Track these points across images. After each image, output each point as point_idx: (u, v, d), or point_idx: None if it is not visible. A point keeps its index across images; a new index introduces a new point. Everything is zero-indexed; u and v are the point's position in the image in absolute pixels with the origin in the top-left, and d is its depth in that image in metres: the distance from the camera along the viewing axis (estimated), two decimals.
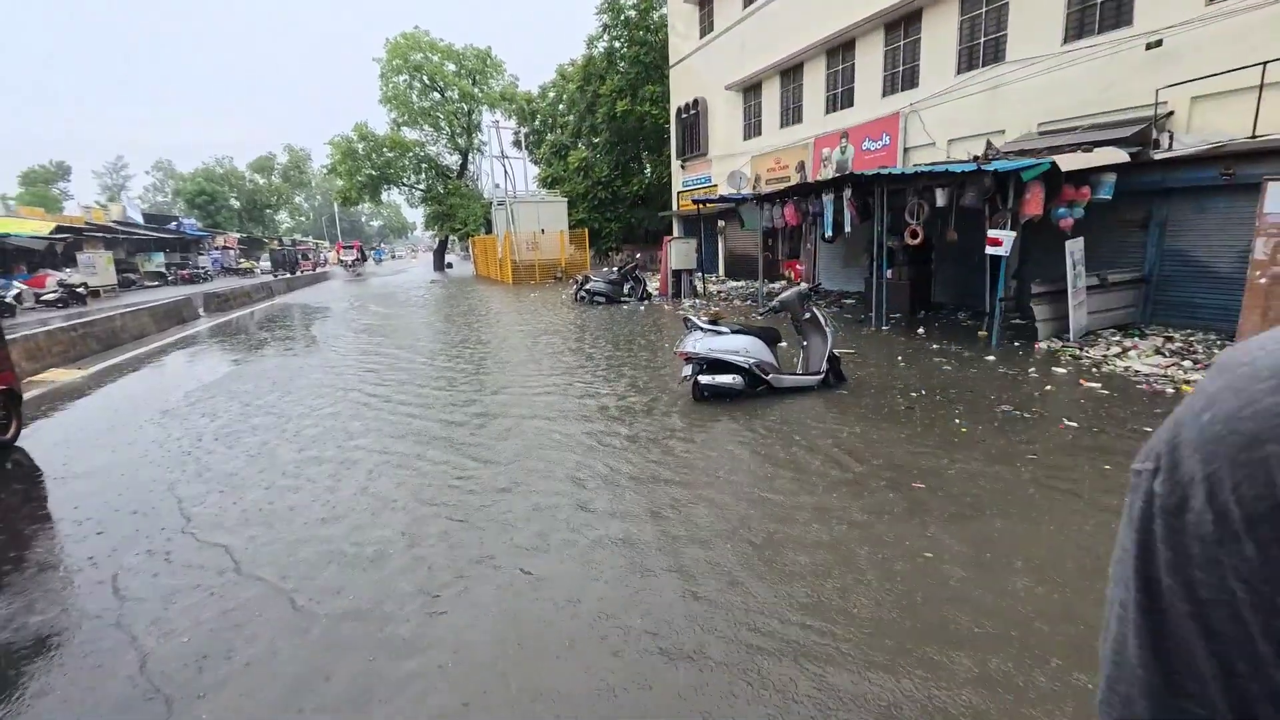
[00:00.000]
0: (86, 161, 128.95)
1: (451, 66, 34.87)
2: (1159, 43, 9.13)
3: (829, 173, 15.68)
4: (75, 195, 60.28)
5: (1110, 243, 9.71)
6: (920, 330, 9.90)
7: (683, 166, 23.71)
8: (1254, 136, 8.10)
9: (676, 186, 24.56)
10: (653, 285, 17.25)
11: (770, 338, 5.89)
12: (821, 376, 6.05)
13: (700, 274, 17.53)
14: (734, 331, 5.72)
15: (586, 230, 26.80)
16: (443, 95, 35.20)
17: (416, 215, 66.53)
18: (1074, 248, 8.27)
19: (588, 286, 15.38)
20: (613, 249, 33.94)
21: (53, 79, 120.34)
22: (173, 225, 45.40)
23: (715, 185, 21.39)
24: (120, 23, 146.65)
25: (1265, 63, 7.85)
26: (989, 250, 7.96)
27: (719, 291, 17.12)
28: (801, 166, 16.78)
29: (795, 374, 6.07)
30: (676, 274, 15.47)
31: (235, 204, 59.41)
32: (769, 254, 19.08)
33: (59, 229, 28.66)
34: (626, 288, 15.53)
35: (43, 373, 8.70)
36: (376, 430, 5.70)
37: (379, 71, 33.96)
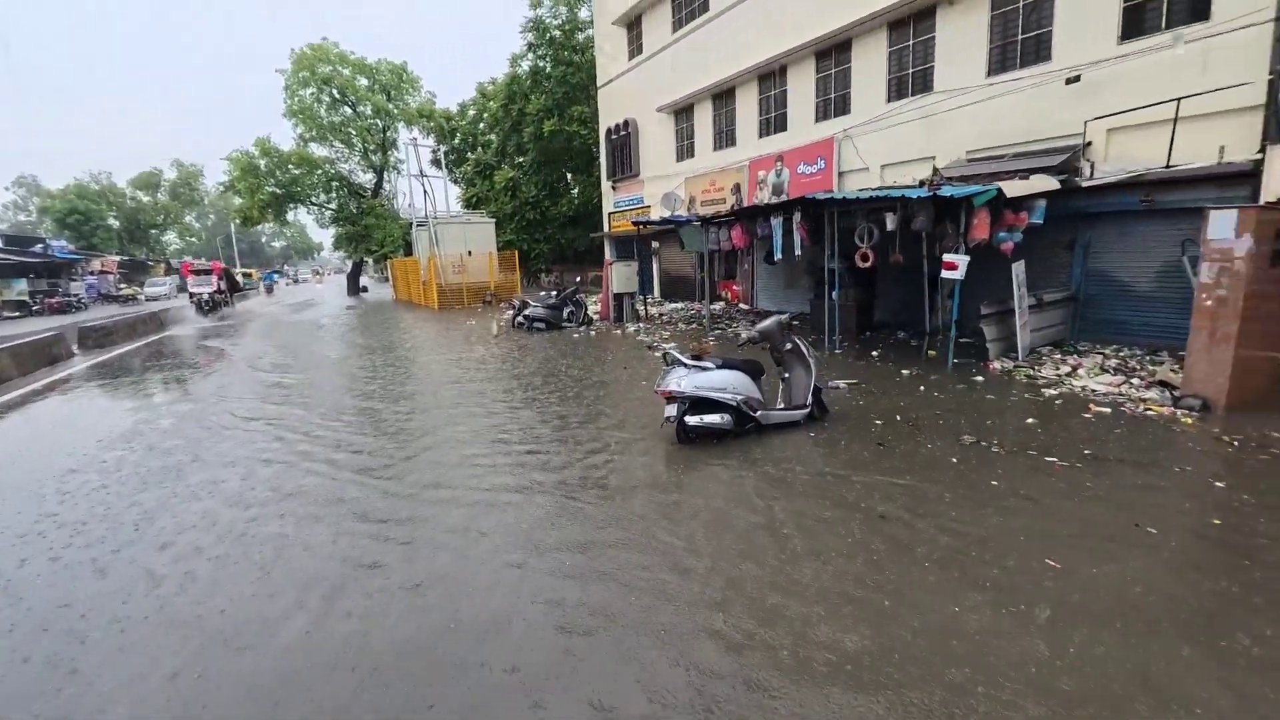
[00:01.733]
0: None
1: (364, 81, 33.16)
2: (1077, 78, 9.68)
3: (765, 195, 15.82)
4: None
5: (1040, 264, 10.14)
6: (874, 352, 9.91)
7: (614, 187, 23.44)
8: (1169, 166, 8.67)
9: (608, 207, 24.25)
10: (593, 309, 16.69)
11: (754, 371, 5.51)
12: (808, 410, 5.73)
13: (643, 297, 17.17)
14: (718, 367, 5.28)
15: (516, 252, 25.93)
16: (355, 110, 33.38)
17: (325, 235, 62.39)
18: (1018, 270, 8.51)
19: (526, 312, 14.61)
20: (543, 270, 33.21)
21: None
22: (39, 248, 40.19)
23: (648, 206, 21.23)
24: None
25: (1178, 99, 8.42)
26: (945, 274, 8.03)
27: (660, 314, 16.81)
28: (737, 188, 16.86)
29: (782, 409, 5.71)
30: (618, 297, 15.02)
31: (114, 224, 53.67)
32: (704, 274, 19.09)
33: None
34: (567, 312, 14.89)
35: None
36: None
37: (284, 84, 31.77)
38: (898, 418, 6.24)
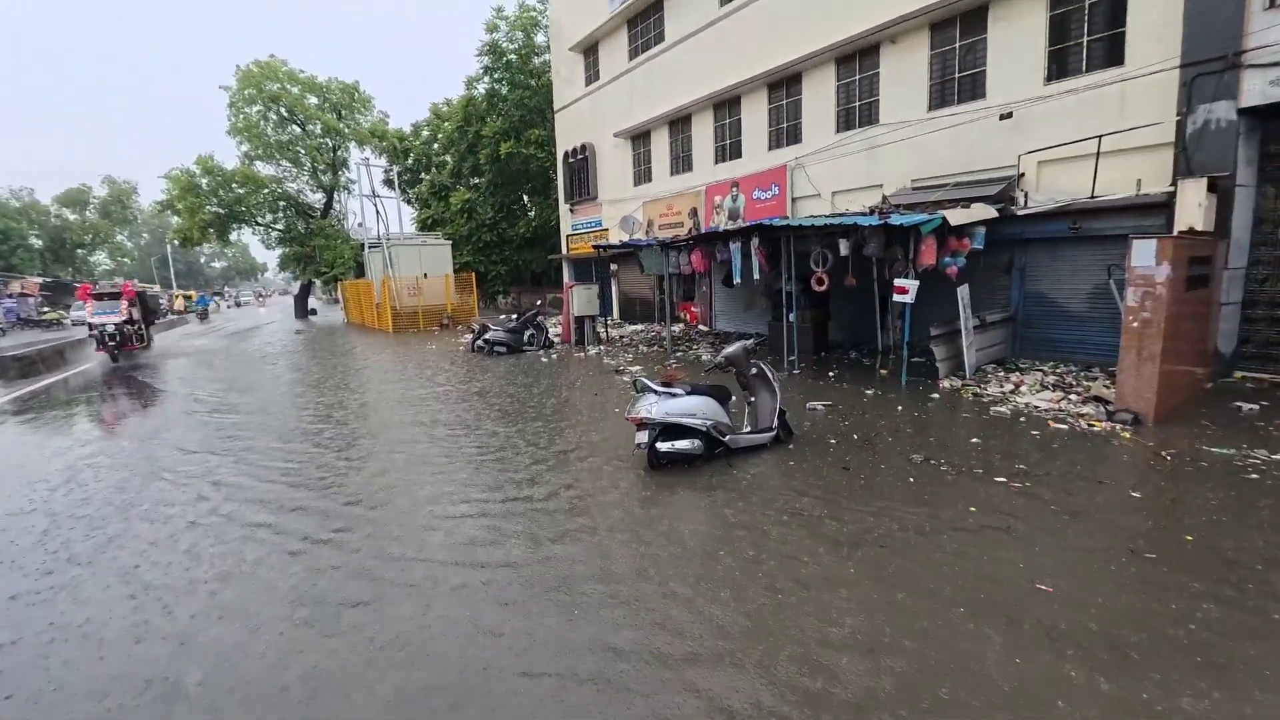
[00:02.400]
0: None
1: (314, 99, 32.52)
2: (1009, 115, 10.38)
3: (722, 219, 16.22)
4: None
5: (982, 287, 10.71)
6: (830, 372, 10.23)
7: (571, 210, 23.59)
8: (1093, 196, 9.37)
9: (566, 229, 24.35)
10: (554, 331, 16.66)
11: (722, 396, 5.62)
12: (774, 433, 5.87)
13: (603, 319, 17.24)
14: (688, 393, 5.38)
15: (474, 274, 25.66)
16: (303, 129, 32.64)
17: (270, 256, 60.17)
18: (963, 294, 8.98)
19: (487, 336, 14.46)
20: (501, 292, 32.98)
21: None
22: None
23: (607, 229, 21.44)
24: None
25: (1099, 136, 9.13)
26: (896, 298, 8.41)
27: (621, 336, 16.90)
28: (694, 213, 17.23)
29: (749, 433, 5.84)
30: (579, 320, 15.05)
31: (36, 243, 50.54)
32: (663, 297, 19.34)
33: None
34: (528, 335, 14.81)
35: None
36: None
37: (228, 100, 30.84)
38: (857, 437, 6.47)
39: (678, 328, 16.92)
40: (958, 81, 11.39)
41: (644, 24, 19.08)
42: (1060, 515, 4.38)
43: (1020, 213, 9.84)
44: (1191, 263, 6.95)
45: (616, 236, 19.84)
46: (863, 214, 10.15)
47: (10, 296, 38.54)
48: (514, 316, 16.70)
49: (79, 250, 56.14)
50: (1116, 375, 6.96)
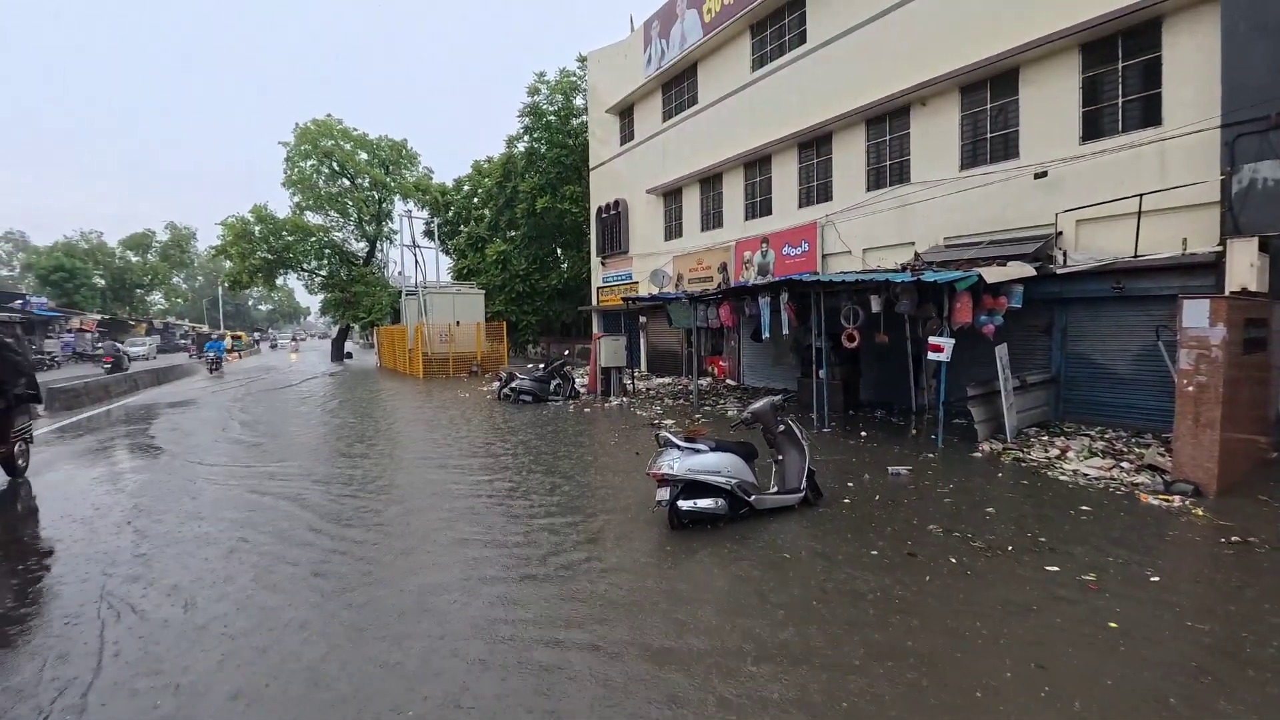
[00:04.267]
0: None
1: (364, 155, 34.35)
2: (1045, 173, 10.28)
3: (751, 274, 16.25)
4: None
5: (1020, 347, 10.37)
6: (862, 432, 9.89)
7: (603, 263, 23.99)
8: (1137, 255, 9.08)
9: (596, 282, 24.72)
10: (580, 382, 16.65)
11: (748, 454, 5.41)
12: (802, 494, 5.61)
13: (630, 371, 17.21)
14: (712, 449, 5.19)
15: (504, 323, 26.10)
16: (353, 182, 34.36)
17: (312, 300, 62.38)
18: (1002, 353, 8.68)
19: (513, 385, 14.52)
20: (530, 341, 33.43)
21: None
22: (17, 304, 39.75)
23: (637, 282, 21.68)
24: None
25: (1140, 195, 8.94)
26: (931, 356, 8.16)
27: (648, 389, 16.79)
28: (724, 267, 17.32)
29: (776, 494, 5.59)
30: (606, 371, 15.02)
31: (100, 282, 53.46)
32: (691, 350, 19.27)
33: None
34: (554, 385, 14.82)
35: None
36: None
37: (285, 155, 32.77)
38: (893, 502, 6.14)
39: (705, 381, 16.74)
40: (990, 141, 11.39)
41: (678, 88, 19.78)
42: (1123, 614, 3.81)
43: (1059, 271, 9.59)
44: (1248, 324, 6.59)
45: (646, 289, 20.02)
46: (895, 271, 10.02)
47: (69, 332, 40.63)
48: (541, 366, 16.79)
49: (137, 290, 59.16)
50: (1172, 443, 6.53)
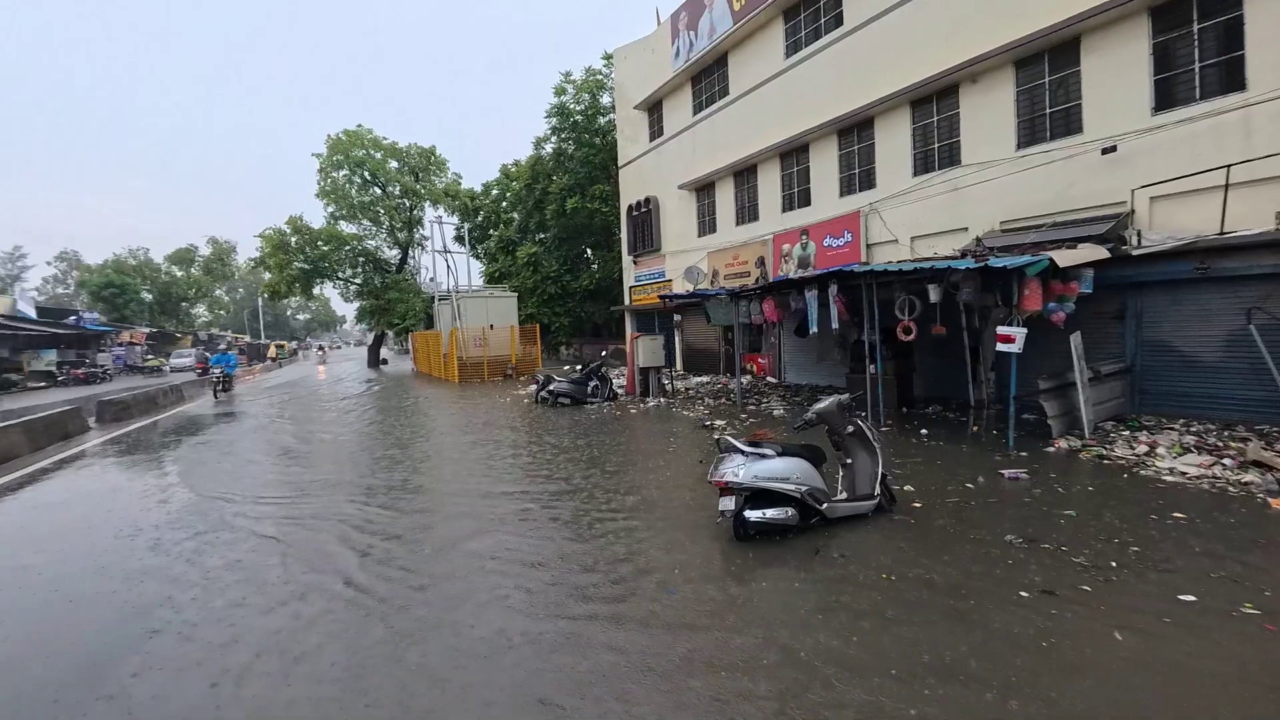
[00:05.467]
0: None
1: (394, 163, 34.65)
2: (1113, 148, 9.57)
3: (791, 268, 15.72)
4: None
5: (1090, 335, 9.67)
6: (922, 430, 9.34)
7: (635, 262, 23.67)
8: (1222, 233, 8.35)
9: (629, 281, 24.41)
10: (617, 383, 16.36)
11: (815, 458, 5.00)
12: (876, 501, 5.17)
13: (669, 371, 16.85)
14: (778, 454, 4.80)
15: (538, 325, 26.01)
16: (384, 191, 34.69)
17: (348, 308, 63.60)
18: (1076, 342, 8.07)
19: (551, 387, 14.29)
20: (563, 344, 33.37)
21: None
22: (71, 319, 41.35)
23: (670, 280, 21.31)
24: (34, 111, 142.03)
25: (1228, 166, 8.21)
26: (1000, 347, 7.60)
27: (686, 388, 16.40)
28: (761, 262, 16.82)
29: (845, 499, 5.16)
30: (644, 371, 14.69)
31: (147, 297, 55.37)
32: (729, 348, 18.80)
33: None
34: (592, 387, 14.54)
35: None
36: None
37: (318, 166, 33.26)
38: (974, 506, 5.66)
39: (745, 380, 16.27)
40: (1049, 117, 10.70)
41: (707, 80, 19.33)
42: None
43: (1135, 253, 8.89)
44: None
45: (680, 287, 19.63)
46: (953, 258, 9.45)
47: (120, 345, 42.12)
48: (578, 368, 16.56)
49: (183, 303, 61.07)
50: None
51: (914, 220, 12.89)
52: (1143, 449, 7.22)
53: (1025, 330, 7.52)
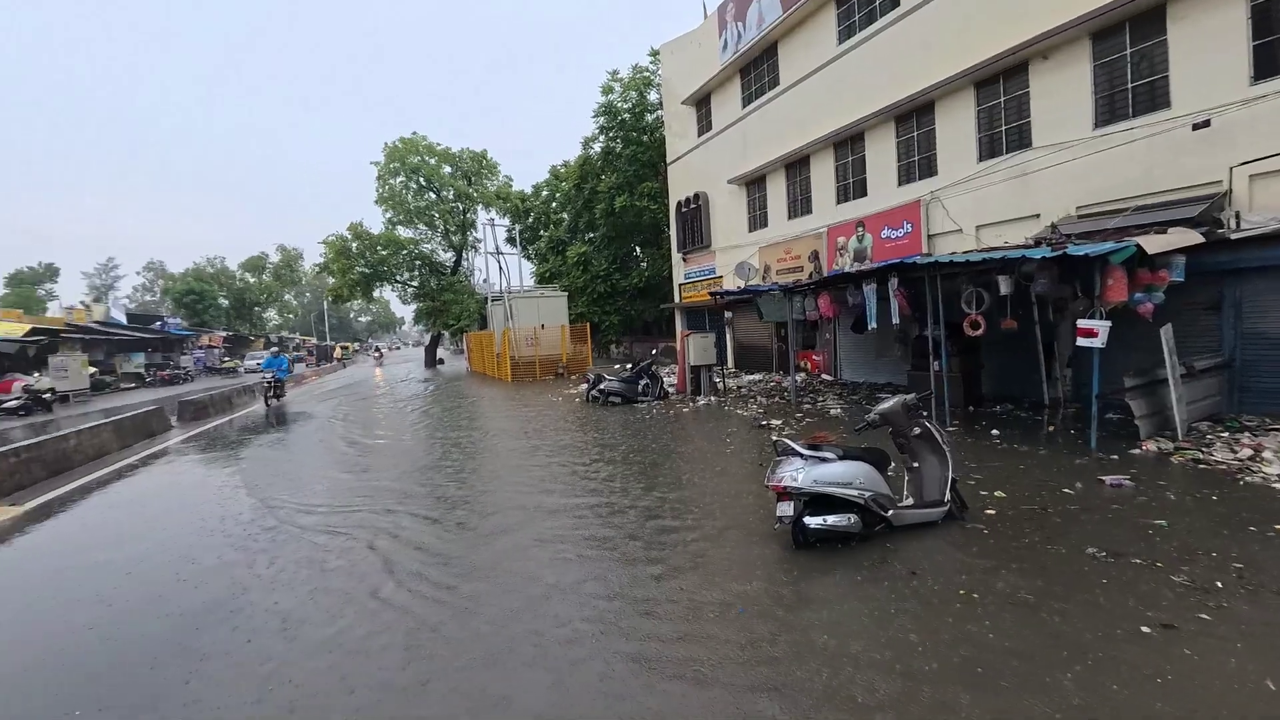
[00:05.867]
0: (80, 260, 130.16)
1: (448, 168, 35.57)
2: (1207, 123, 8.78)
3: (846, 261, 15.21)
4: (61, 296, 59.69)
5: (1182, 328, 8.92)
6: (993, 431, 8.82)
7: (685, 259, 23.46)
8: None
9: (678, 279, 24.23)
10: (669, 381, 16.22)
11: (879, 461, 4.74)
12: (946, 508, 4.86)
13: (720, 369, 16.59)
14: (839, 457, 4.56)
15: (588, 324, 26.16)
16: (438, 195, 35.66)
17: (406, 310, 65.77)
18: (1167, 335, 7.42)
19: (601, 386, 14.28)
20: (613, 342, 33.50)
21: (48, 177, 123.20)
22: (157, 325, 44.46)
23: (720, 277, 21.01)
24: (120, 130, 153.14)
25: None
26: (1082, 342, 7.07)
27: (738, 386, 16.11)
28: (815, 256, 16.35)
29: (911, 506, 4.87)
30: (695, 369, 14.50)
31: (224, 302, 58.88)
32: (782, 345, 18.38)
33: (34, 331, 27.38)
34: (643, 385, 14.45)
35: None
36: None
37: (376, 174, 34.47)
38: (1057, 516, 5.26)
39: (800, 377, 15.86)
40: (1131, 92, 9.92)
41: (756, 71, 18.93)
42: None
43: (1234, 236, 8.12)
44: None
45: (730, 284, 19.32)
46: (1025, 246, 8.87)
47: (200, 348, 44.95)
48: (628, 366, 16.51)
49: (255, 308, 64.59)
50: None
51: (979, 208, 12.22)
52: (1246, 452, 6.57)
53: (1109, 323, 6.96)
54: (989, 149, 12.17)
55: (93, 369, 28.47)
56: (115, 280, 71.43)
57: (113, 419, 11.89)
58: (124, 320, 42.64)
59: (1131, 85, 9.92)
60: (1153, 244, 7.15)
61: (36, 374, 22.79)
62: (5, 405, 18.76)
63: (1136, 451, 7.10)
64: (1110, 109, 10.22)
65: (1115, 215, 9.74)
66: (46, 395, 19.91)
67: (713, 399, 14.05)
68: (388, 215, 35.04)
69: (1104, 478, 6.10)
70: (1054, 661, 3.14)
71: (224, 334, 52.98)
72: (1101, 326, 6.86)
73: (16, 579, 5.36)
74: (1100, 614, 3.58)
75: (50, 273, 61.84)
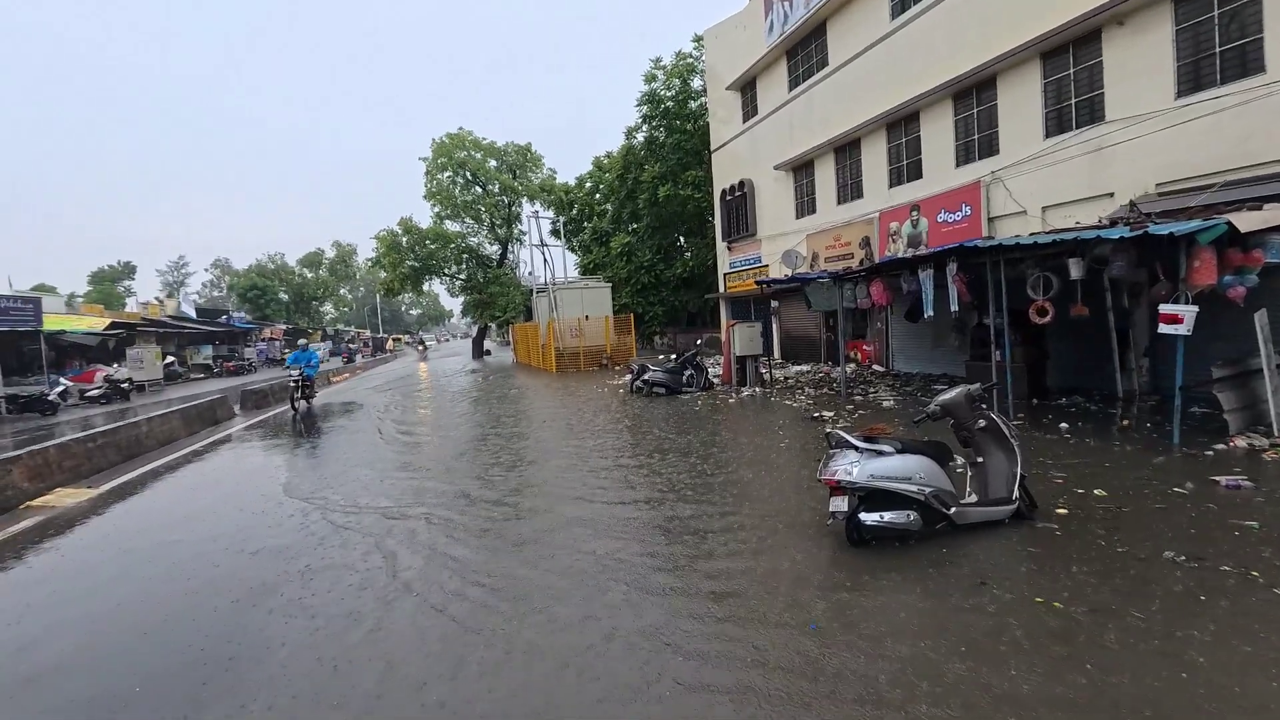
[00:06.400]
0: (155, 259, 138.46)
1: (493, 162, 35.99)
2: None
3: (899, 247, 14.63)
4: (137, 292, 63.67)
5: (1276, 312, 8.17)
6: (1061, 424, 8.30)
7: (729, 248, 23.09)
8: None
9: (723, 268, 23.88)
10: (713, 372, 16.01)
11: (940, 455, 4.48)
12: (1014, 507, 4.55)
13: (767, 359, 16.25)
14: (897, 450, 4.33)
15: (632, 315, 26.12)
16: (484, 189, 36.14)
17: (455, 303, 67.25)
18: (1261, 321, 6.81)
19: (646, 377, 14.19)
20: (657, 333, 33.39)
21: (123, 181, 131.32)
22: (223, 319, 46.91)
23: (766, 265, 20.58)
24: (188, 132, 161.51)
25: None
26: (1163, 329, 6.54)
27: (785, 377, 15.77)
28: (866, 242, 15.79)
29: (975, 503, 4.59)
30: (741, 360, 14.24)
31: (284, 297, 61.56)
32: (831, 334, 17.89)
33: (113, 325, 29.27)
34: (687, 376, 14.30)
35: (47, 494, 7.70)
36: None
37: (424, 169, 35.17)
38: (1125, 511, 4.87)
39: (850, 368, 15.40)
40: (1219, 57, 9.12)
41: (804, 52, 18.35)
42: None
43: None
44: None
45: (777, 272, 18.90)
46: (1098, 227, 8.28)
47: (263, 341, 47.16)
48: (672, 357, 16.36)
49: (313, 302, 67.35)
50: None
51: (1046, 188, 11.52)
52: None
53: (1195, 309, 6.42)
54: (1057, 125, 11.44)
55: (170, 359, 30.25)
56: (186, 277, 75.77)
57: (179, 407, 12.53)
58: (193, 314, 45.16)
59: (1220, 49, 9.11)
60: (1246, 221, 6.53)
61: (116, 365, 24.39)
62: (88, 394, 20.20)
63: (1224, 447, 6.55)
64: (1195, 76, 9.42)
65: (1201, 192, 8.99)
66: (124, 384, 21.26)
67: (758, 390, 13.77)
68: (436, 210, 35.75)
69: (1219, 479, 5.55)
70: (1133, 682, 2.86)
71: (284, 327, 55.41)
72: (1187, 312, 6.33)
73: (94, 556, 5.66)
74: (1214, 630, 3.26)
75: (128, 270, 66.00)
